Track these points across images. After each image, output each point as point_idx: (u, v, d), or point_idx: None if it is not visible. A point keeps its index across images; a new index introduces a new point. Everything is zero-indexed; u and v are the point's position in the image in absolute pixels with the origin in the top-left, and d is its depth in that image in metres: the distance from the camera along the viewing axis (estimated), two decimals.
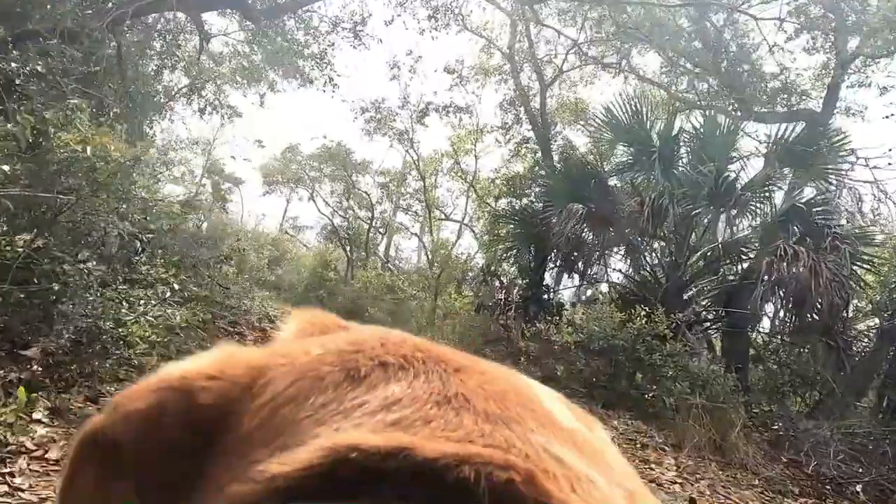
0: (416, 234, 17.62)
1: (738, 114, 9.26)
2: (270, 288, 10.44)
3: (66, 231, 3.46)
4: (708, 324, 7.57)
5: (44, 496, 2.07)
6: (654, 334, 5.73)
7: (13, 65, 3.69)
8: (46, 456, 2.27)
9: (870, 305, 7.29)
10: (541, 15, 11.16)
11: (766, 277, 6.17)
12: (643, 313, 5.86)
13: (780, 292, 6.44)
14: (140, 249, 3.83)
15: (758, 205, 7.30)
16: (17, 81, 3.70)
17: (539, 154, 11.04)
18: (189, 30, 10.07)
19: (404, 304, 10.27)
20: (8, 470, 2.17)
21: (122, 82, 7.14)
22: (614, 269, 8.90)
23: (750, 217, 7.57)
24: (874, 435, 5.05)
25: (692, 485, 3.95)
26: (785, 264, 6.02)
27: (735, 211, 7.37)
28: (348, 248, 14.04)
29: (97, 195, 3.10)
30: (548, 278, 8.72)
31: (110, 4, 7.06)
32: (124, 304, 3.29)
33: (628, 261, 8.41)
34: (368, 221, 14.95)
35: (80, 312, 2.92)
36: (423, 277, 11.75)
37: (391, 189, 15.72)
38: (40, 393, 2.63)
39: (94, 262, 3.24)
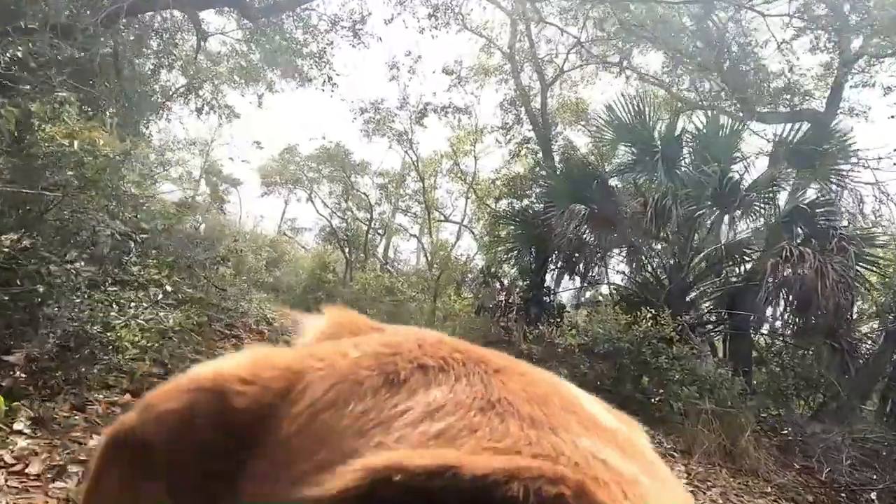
0: (415, 236, 17.49)
1: (741, 114, 9.17)
2: (268, 290, 10.31)
3: (55, 230, 3.31)
4: (711, 326, 7.46)
5: None
6: (659, 337, 5.61)
7: None
8: (27, 471, 2.11)
9: (874, 307, 7.21)
10: (543, 13, 11.07)
11: (770, 279, 6.08)
12: (649, 315, 5.75)
13: (785, 294, 6.35)
14: (130, 249, 3.69)
15: (762, 206, 7.21)
16: None
17: (540, 154, 10.93)
18: (186, 28, 9.95)
19: (403, 306, 10.16)
20: None
21: (119, 81, 7.01)
22: (616, 271, 8.81)
23: (753, 218, 7.49)
24: (887, 440, 4.94)
25: (704, 493, 3.83)
26: (790, 266, 5.93)
27: (739, 212, 7.28)
28: (347, 250, 13.92)
29: (85, 191, 2.97)
30: (548, 280, 8.62)
31: (105, 1, 6.92)
32: (114, 306, 3.14)
33: (630, 262, 8.30)
34: (367, 223, 14.84)
35: (66, 315, 2.78)
36: (423, 279, 11.67)
37: (390, 190, 15.62)
38: (22, 402, 2.48)
39: (83, 263, 3.10)
